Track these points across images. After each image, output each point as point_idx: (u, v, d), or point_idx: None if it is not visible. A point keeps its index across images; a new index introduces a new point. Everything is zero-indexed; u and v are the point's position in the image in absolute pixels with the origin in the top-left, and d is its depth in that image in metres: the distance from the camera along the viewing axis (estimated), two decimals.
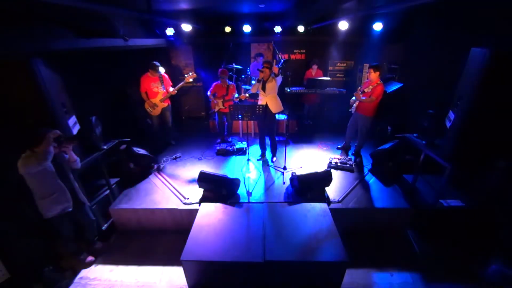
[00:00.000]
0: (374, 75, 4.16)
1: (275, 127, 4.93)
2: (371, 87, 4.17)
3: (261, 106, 3.89)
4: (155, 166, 4.55)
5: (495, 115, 2.85)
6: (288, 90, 5.70)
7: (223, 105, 5.03)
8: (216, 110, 5.16)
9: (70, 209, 2.76)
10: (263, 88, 4.21)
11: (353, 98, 4.48)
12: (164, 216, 3.60)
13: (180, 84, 4.81)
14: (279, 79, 4.18)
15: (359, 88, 4.45)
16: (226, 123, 5.62)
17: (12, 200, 2.82)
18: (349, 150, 5.09)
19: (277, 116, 4.52)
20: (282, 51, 6.70)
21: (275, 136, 4.65)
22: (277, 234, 2.92)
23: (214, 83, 5.03)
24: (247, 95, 5.00)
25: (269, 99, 4.21)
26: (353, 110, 4.57)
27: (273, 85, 4.15)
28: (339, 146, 5.24)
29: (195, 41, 6.43)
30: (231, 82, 5.17)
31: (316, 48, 6.82)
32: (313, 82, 5.81)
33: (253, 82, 6.06)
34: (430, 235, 3.45)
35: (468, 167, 3.27)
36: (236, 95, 5.07)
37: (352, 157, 4.75)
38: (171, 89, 4.84)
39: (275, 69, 4.14)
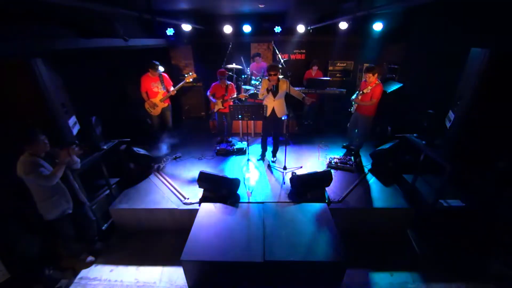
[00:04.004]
0: (373, 78, 4.15)
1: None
2: (370, 87, 4.16)
3: (265, 107, 3.86)
4: (155, 166, 4.55)
5: (495, 115, 2.85)
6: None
7: (223, 105, 5.03)
8: (216, 110, 5.16)
9: (70, 211, 2.77)
10: (274, 94, 4.02)
11: (353, 97, 4.49)
12: (164, 216, 3.60)
13: (180, 84, 4.80)
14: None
15: (358, 93, 4.37)
16: (226, 123, 5.62)
17: (13, 200, 2.82)
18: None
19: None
20: (282, 51, 6.68)
21: (280, 137, 4.64)
22: (277, 234, 2.92)
23: (213, 84, 5.03)
24: (247, 95, 4.99)
25: (277, 103, 4.10)
26: (353, 110, 4.61)
27: (284, 90, 3.98)
28: (344, 145, 5.26)
29: (195, 41, 6.42)
30: (230, 82, 5.17)
31: (316, 48, 6.82)
32: (313, 82, 5.81)
33: (253, 82, 6.06)
34: (430, 235, 3.45)
35: (468, 167, 3.27)
36: (235, 95, 5.07)
37: (352, 157, 4.75)
38: (171, 88, 4.85)
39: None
